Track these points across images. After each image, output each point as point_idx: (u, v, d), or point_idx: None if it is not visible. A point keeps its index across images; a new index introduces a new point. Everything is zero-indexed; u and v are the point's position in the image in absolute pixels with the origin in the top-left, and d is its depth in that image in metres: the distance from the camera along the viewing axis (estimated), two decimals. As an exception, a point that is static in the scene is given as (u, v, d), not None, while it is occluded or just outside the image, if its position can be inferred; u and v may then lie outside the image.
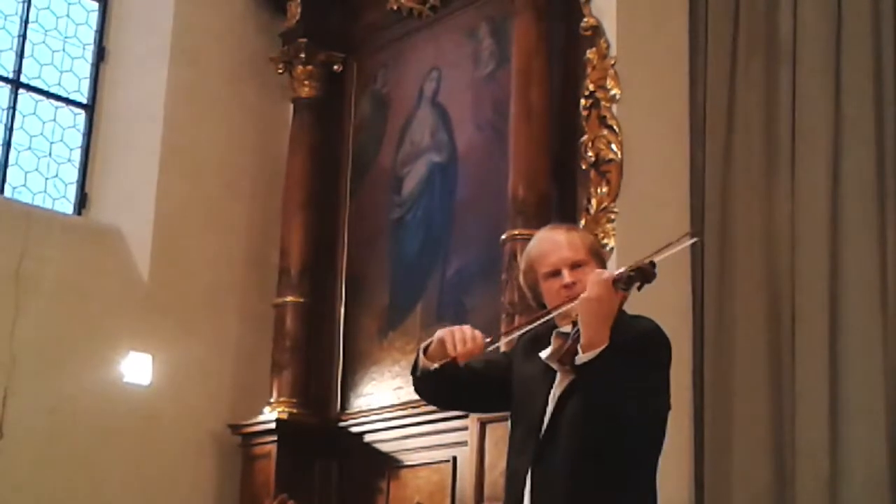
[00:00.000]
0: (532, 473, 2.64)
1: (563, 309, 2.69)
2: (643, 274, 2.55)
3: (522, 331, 2.87)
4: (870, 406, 4.79)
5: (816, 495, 4.84)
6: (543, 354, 2.72)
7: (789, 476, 4.97)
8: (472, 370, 2.89)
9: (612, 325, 2.57)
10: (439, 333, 2.78)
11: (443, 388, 2.91)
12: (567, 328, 2.70)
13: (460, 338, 2.73)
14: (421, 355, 2.84)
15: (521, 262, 2.89)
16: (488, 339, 2.76)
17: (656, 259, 2.58)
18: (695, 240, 2.52)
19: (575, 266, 2.75)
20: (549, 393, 2.69)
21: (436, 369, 2.78)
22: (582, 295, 2.58)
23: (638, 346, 2.61)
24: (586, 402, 2.56)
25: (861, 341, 4.89)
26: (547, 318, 2.74)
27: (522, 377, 2.82)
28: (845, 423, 4.84)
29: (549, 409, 2.67)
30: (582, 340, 2.56)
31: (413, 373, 2.89)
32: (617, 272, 2.59)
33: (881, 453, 4.72)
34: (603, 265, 2.80)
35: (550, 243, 2.81)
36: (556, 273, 2.77)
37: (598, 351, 2.53)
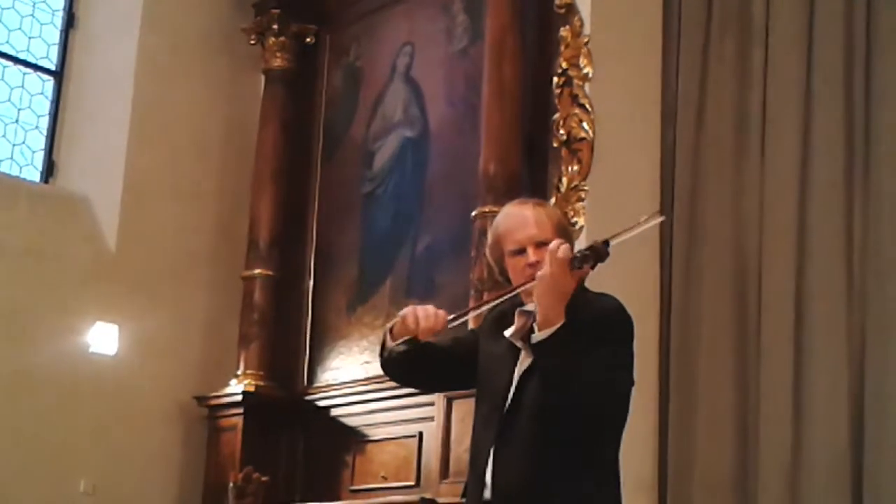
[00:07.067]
0: (495, 450, 2.64)
1: (526, 287, 2.67)
2: (596, 253, 2.52)
3: (483, 308, 2.86)
4: (833, 390, 4.82)
5: (779, 477, 4.87)
6: (507, 333, 2.71)
7: (752, 458, 5.00)
8: (441, 349, 2.89)
9: (574, 303, 2.55)
10: (403, 311, 2.78)
11: (414, 369, 2.90)
12: (531, 306, 2.69)
13: (423, 314, 2.73)
14: (387, 336, 2.83)
15: (489, 236, 2.86)
16: (451, 317, 2.75)
17: (625, 237, 2.56)
18: (662, 217, 2.47)
19: (541, 244, 2.70)
20: (513, 371, 2.68)
21: (405, 351, 2.79)
22: (538, 272, 2.56)
23: (599, 323, 2.60)
24: (544, 380, 2.56)
25: (826, 325, 4.91)
26: (509, 295, 2.72)
27: (488, 355, 2.81)
28: (808, 406, 4.87)
29: (513, 386, 2.66)
30: (537, 318, 2.55)
31: (381, 354, 2.88)
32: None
33: (844, 437, 4.75)
34: (570, 243, 2.77)
35: (517, 219, 2.77)
36: (521, 251, 2.74)
37: (552, 329, 2.52)
